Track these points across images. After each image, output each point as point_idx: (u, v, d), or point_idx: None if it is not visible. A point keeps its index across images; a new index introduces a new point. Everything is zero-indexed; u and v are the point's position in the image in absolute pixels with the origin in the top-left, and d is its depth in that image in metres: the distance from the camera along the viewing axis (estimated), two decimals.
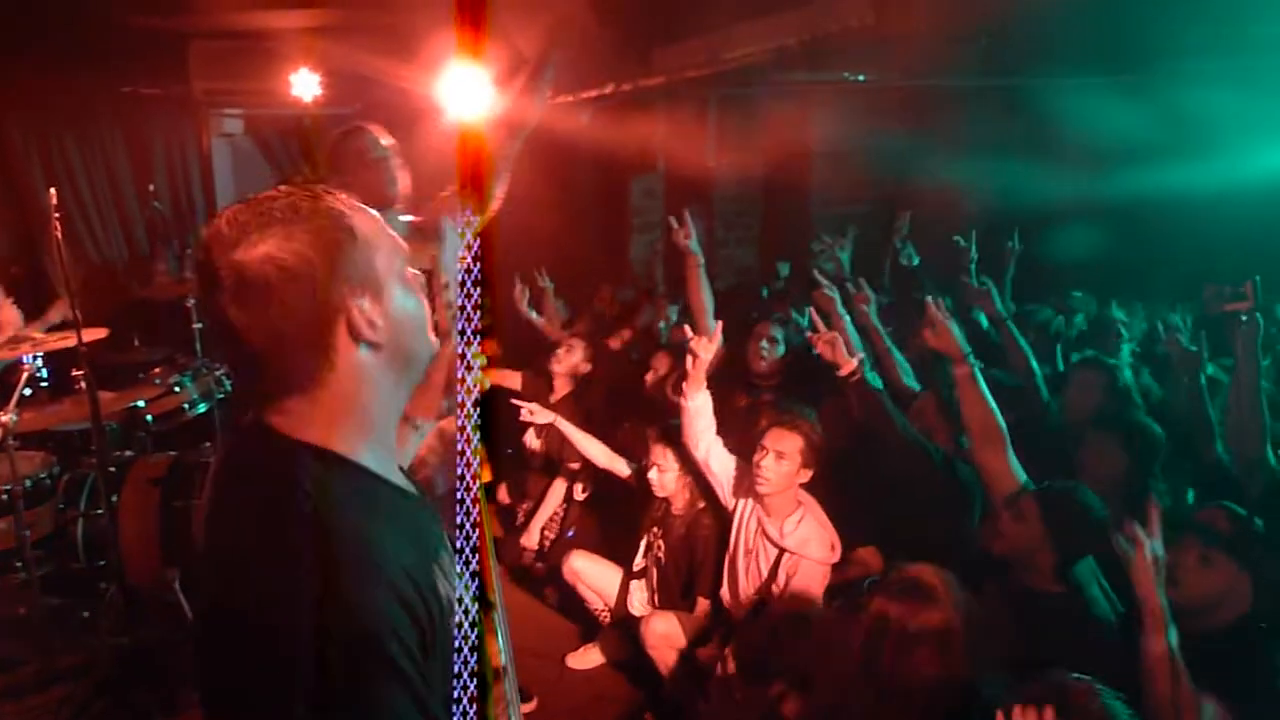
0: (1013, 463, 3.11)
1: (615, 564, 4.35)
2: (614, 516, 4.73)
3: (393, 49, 6.38)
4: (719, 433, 3.87)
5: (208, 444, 5.25)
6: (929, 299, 3.44)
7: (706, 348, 3.68)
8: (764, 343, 4.51)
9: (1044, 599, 2.79)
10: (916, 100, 6.87)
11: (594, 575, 4.33)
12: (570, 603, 4.53)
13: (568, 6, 5.10)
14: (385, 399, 1.28)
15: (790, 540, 3.58)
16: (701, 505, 4.04)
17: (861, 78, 6.70)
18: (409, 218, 3.08)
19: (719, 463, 3.84)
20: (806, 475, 3.64)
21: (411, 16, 6.09)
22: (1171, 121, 5.35)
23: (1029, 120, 6.56)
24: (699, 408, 3.76)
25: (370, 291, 1.22)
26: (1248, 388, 3.37)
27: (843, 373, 3.60)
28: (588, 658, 4.32)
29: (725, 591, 3.84)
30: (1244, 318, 3.29)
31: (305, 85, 6.70)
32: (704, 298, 4.51)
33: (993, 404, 3.15)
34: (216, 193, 8.14)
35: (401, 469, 1.37)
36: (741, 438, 3.89)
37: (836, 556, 3.60)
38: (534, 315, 6.07)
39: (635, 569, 4.25)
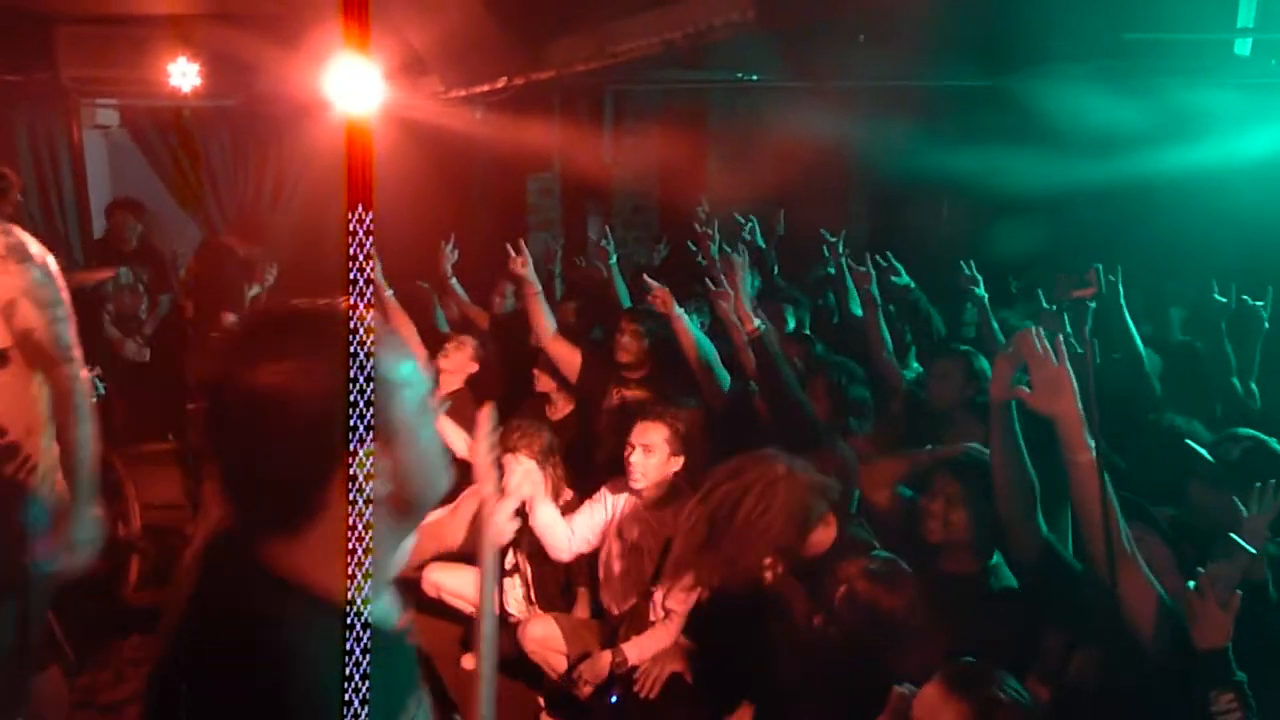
0: None
1: (475, 565, 4.29)
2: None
3: (277, 38, 6.19)
4: (592, 434, 3.90)
5: None
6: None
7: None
8: (625, 336, 4.50)
9: (965, 583, 2.87)
10: (806, 100, 7.01)
11: (454, 583, 4.20)
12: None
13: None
14: (381, 546, 1.18)
15: None
16: (569, 496, 4.03)
17: (754, 77, 6.80)
18: None
19: (584, 534, 3.86)
20: (677, 463, 3.67)
21: (297, 5, 5.92)
22: (1045, 122, 5.58)
23: (914, 120, 6.75)
24: (546, 523, 3.78)
25: (382, 438, 1.13)
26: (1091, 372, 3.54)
27: (746, 329, 3.68)
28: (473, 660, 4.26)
29: (602, 592, 3.83)
30: (1091, 304, 3.42)
31: (184, 75, 6.45)
32: (545, 323, 4.57)
33: None
34: (90, 188, 7.72)
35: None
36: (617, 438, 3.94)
37: None
38: (459, 288, 5.89)
39: (507, 567, 4.20)
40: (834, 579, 2.62)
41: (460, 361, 5.14)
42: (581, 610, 4.06)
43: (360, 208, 0.96)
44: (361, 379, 1.09)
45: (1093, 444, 2.37)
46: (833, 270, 5.48)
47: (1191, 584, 2.22)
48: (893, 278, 4.95)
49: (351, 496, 1.11)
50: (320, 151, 7.71)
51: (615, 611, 3.79)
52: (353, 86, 1.37)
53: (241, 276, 6.96)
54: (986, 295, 4.70)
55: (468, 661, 4.25)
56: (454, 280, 5.82)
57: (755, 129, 7.71)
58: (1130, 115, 5.28)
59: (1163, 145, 5.48)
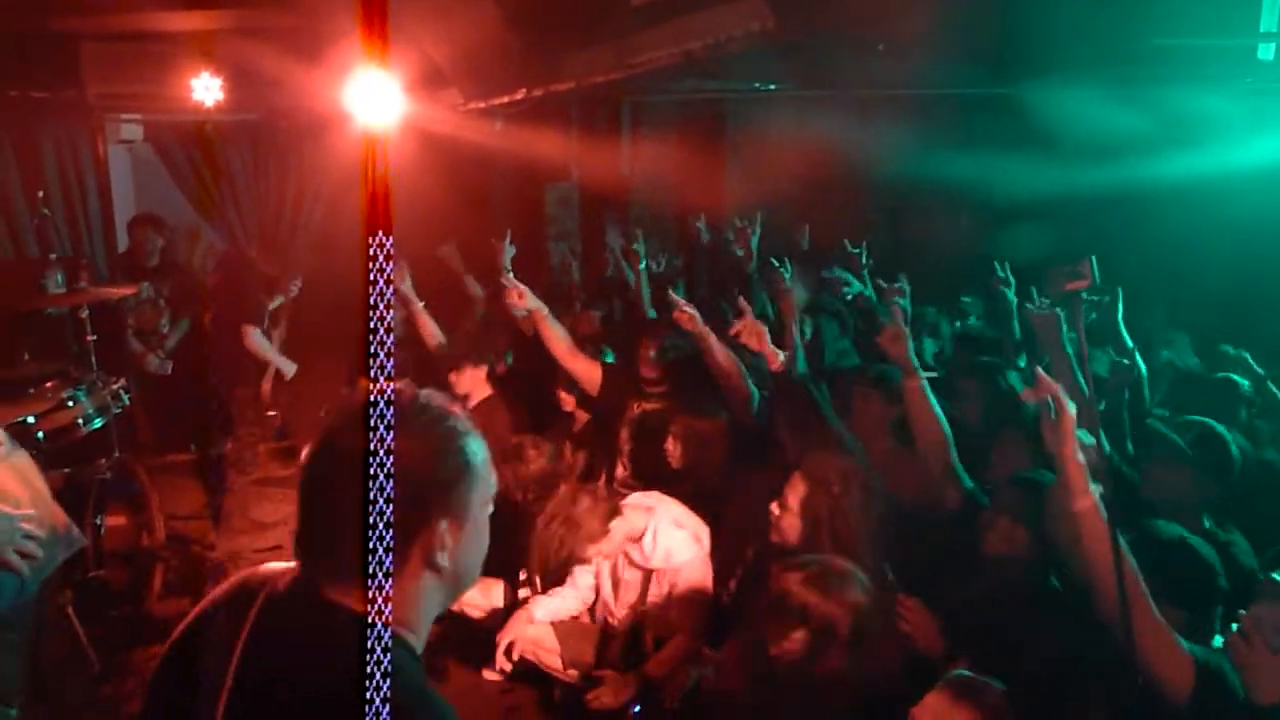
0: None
1: (494, 576, 4.30)
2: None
3: (298, 53, 6.25)
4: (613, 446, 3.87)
5: (104, 460, 5.03)
6: (891, 310, 3.65)
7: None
8: (653, 351, 4.50)
9: (1015, 589, 2.83)
10: (824, 109, 7.00)
11: (473, 595, 4.21)
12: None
13: (477, 12, 5.07)
14: (429, 609, 1.35)
15: (656, 559, 3.56)
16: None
17: (772, 87, 6.80)
18: None
19: (587, 582, 3.89)
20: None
21: (317, 19, 5.97)
22: (1064, 129, 5.56)
23: (932, 128, 6.73)
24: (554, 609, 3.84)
25: (455, 519, 1.31)
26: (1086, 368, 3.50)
27: (773, 367, 3.69)
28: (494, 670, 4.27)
29: (597, 607, 3.85)
30: (1084, 295, 3.33)
31: (207, 90, 6.51)
32: (559, 343, 4.53)
33: (940, 414, 3.27)
34: (115, 201, 7.81)
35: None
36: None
37: (705, 546, 3.61)
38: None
39: (522, 579, 4.19)
40: (769, 587, 2.61)
41: (476, 379, 5.14)
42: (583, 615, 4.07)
43: (380, 233, 0.97)
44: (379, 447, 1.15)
45: (1096, 490, 2.28)
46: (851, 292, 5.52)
47: (1234, 626, 2.02)
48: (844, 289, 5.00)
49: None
50: (341, 164, 7.77)
51: (612, 622, 3.80)
52: (373, 99, 1.37)
53: (262, 290, 7.02)
54: (1015, 300, 4.71)
55: (489, 672, 4.26)
56: (510, 275, 5.57)
57: (773, 138, 7.70)
58: (1151, 120, 5.25)
59: (1185, 150, 5.45)
